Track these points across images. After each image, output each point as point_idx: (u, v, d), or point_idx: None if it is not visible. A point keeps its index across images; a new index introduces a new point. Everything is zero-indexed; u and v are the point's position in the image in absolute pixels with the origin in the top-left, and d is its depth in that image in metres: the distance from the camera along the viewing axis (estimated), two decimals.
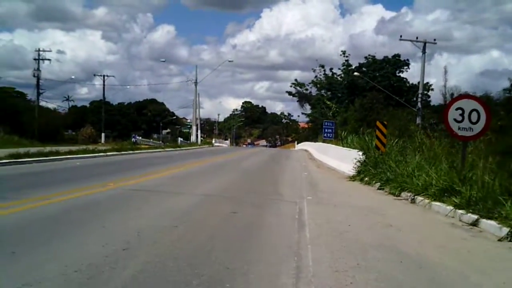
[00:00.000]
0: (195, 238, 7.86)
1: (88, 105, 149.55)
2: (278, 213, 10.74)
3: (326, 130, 39.05)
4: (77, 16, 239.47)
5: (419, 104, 40.92)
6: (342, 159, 25.59)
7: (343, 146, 28.83)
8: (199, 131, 73.15)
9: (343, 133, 32.47)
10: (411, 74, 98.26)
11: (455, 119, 14.13)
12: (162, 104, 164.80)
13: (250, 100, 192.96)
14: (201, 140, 76.28)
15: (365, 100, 51.20)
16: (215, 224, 9.09)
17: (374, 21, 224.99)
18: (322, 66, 79.69)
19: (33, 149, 26.53)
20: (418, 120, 38.21)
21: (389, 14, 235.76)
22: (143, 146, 56.40)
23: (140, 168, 21.89)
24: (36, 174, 17.79)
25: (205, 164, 26.53)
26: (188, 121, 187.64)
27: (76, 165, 22.45)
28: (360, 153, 21.85)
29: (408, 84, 72.00)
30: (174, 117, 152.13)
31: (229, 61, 69.20)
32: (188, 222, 9.15)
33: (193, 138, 68.92)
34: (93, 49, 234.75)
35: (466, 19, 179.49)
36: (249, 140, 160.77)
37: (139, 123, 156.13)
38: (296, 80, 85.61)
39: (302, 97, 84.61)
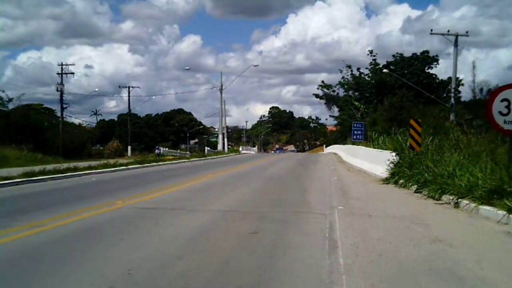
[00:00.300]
0: (200, 273, 6.33)
1: (116, 119, 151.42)
2: (305, 230, 9.16)
3: (355, 132, 37.31)
4: (104, 31, 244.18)
5: (452, 99, 38.86)
6: (374, 161, 23.98)
7: (374, 147, 27.11)
8: (225, 139, 71.85)
9: (373, 134, 30.74)
10: (440, 70, 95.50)
11: (500, 112, 12.54)
12: (190, 113, 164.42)
13: (278, 106, 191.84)
14: (228, 148, 75.00)
15: (395, 99, 49.19)
16: (228, 252, 7.47)
17: (400, 21, 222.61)
18: (349, 67, 77.76)
19: (49, 166, 25.45)
20: (452, 117, 36.29)
21: (415, 13, 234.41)
22: (169, 157, 55.34)
23: (159, 181, 20.52)
24: (44, 194, 16.46)
25: (229, 173, 25.15)
26: (216, 129, 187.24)
27: (91, 181, 21.21)
28: (393, 153, 20.24)
29: (437, 80, 69.79)
30: (201, 127, 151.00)
31: (254, 65, 67.22)
32: (196, 251, 7.58)
33: (219, 146, 67.59)
34: (121, 62, 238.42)
35: (493, 13, 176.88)
36: (277, 146, 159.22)
37: (166, 134, 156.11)
38: (323, 82, 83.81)
39: (330, 99, 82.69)
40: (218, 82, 66.49)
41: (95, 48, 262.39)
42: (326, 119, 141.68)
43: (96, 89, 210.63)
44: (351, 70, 77.59)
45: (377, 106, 60.14)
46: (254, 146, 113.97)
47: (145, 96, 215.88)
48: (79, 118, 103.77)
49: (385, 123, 47.24)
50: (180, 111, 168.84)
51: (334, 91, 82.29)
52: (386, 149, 23.51)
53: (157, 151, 62.47)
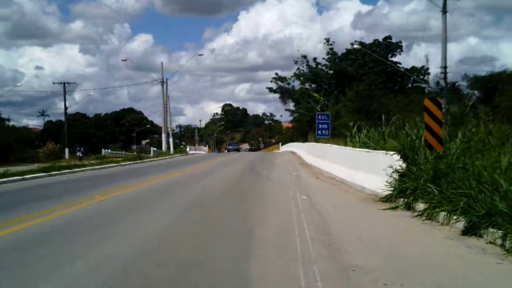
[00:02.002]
0: None
1: (63, 119, 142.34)
2: None
3: (319, 126, 29.29)
4: (54, 31, 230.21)
5: (442, 82, 31.06)
6: (358, 166, 16.25)
7: (354, 146, 19.22)
8: (170, 138, 63.35)
9: (352, 127, 22.71)
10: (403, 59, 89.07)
11: None
12: (140, 113, 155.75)
13: (231, 103, 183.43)
14: (175, 148, 66.53)
15: (361, 86, 41.58)
16: None
17: (351, 16, 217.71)
18: (305, 57, 70.29)
19: None
20: (444, 103, 28.67)
21: (365, 8, 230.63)
22: (111, 159, 46.67)
23: (31, 203, 12.38)
24: None
25: (144, 188, 17.15)
26: (168, 129, 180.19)
27: None
28: (396, 156, 12.28)
29: (402, 69, 62.70)
30: (149, 126, 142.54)
31: (199, 54, 62.82)
32: None
33: (163, 147, 58.91)
34: (72, 63, 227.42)
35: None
36: (229, 143, 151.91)
37: (116, 134, 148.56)
38: (276, 74, 75.93)
39: (285, 93, 74.91)
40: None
41: (45, 48, 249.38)
42: (281, 116, 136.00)
43: (91, 93, 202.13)
44: (307, 61, 70.04)
45: (339, 97, 52.61)
46: (206, 146, 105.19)
47: (91, 96, 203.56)
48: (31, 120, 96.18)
49: (351, 115, 39.67)
50: (131, 110, 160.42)
51: (289, 83, 74.64)
52: (375, 148, 15.71)
53: (78, 153, 53.14)
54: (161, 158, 47.56)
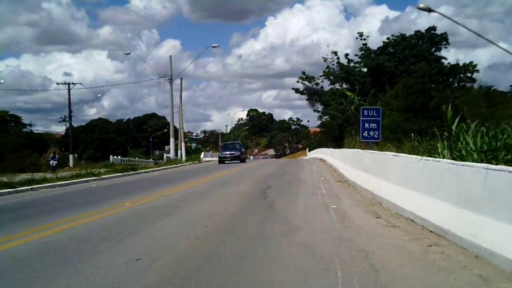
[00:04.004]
0: None
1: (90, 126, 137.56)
2: None
3: (365, 125, 19.82)
4: (82, 37, 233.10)
5: None
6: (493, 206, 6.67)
7: (459, 157, 10.04)
8: (182, 143, 54.42)
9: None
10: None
11: None
12: (163, 118, 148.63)
13: (257, 109, 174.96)
14: (191, 155, 57.72)
15: (412, 79, 32.05)
16: None
17: (379, 22, 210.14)
18: (335, 53, 60.71)
19: None
20: None
21: (393, 14, 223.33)
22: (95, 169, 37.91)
23: None
24: None
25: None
26: (194, 135, 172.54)
27: None
28: None
29: (448, 65, 52.90)
30: (166, 131, 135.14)
31: (214, 46, 50.13)
32: None
33: (171, 153, 49.93)
34: (100, 69, 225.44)
35: (471, 13, 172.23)
36: (256, 151, 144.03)
37: (139, 140, 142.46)
38: (303, 73, 66.25)
39: (313, 94, 65.35)
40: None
41: (74, 54, 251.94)
42: (308, 121, 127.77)
43: (99, 95, 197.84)
44: (338, 58, 60.52)
45: (378, 96, 43.11)
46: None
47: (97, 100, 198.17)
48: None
49: (398, 114, 30.33)
50: (153, 115, 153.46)
51: (317, 83, 65.05)
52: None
53: (51, 161, 44.19)
54: (166, 167, 38.68)
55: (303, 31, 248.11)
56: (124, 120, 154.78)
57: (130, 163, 66.47)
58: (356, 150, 20.08)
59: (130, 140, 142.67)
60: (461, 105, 26.90)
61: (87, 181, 25.00)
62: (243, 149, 48.85)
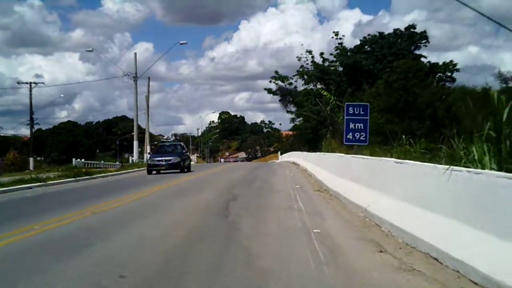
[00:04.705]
0: None
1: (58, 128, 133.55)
2: None
3: (350, 125, 16.34)
4: (54, 40, 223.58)
5: None
6: None
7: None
8: (148, 146, 50.86)
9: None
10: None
11: None
12: (133, 120, 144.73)
13: (229, 111, 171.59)
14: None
15: (395, 76, 29.01)
16: None
17: (352, 25, 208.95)
18: (310, 52, 57.57)
19: None
20: None
21: (366, 18, 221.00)
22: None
23: None
24: None
25: None
26: (165, 138, 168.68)
27: None
28: None
29: (428, 64, 50.23)
30: (142, 134, 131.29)
31: (181, 43, 47.10)
32: None
33: (135, 156, 46.26)
34: (72, 71, 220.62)
35: (442, 17, 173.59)
36: (227, 154, 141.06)
37: (108, 142, 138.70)
38: (276, 72, 62.95)
39: (286, 94, 62.02)
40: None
41: (46, 57, 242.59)
42: (280, 124, 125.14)
43: (62, 95, 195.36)
44: (312, 57, 57.36)
45: (355, 95, 40.08)
46: (194, 155, 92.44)
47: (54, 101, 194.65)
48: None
49: (379, 115, 27.31)
50: (124, 118, 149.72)
51: (291, 83, 61.80)
52: None
53: None
54: (124, 171, 35.24)
55: (277, 34, 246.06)
56: (94, 123, 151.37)
57: (94, 166, 62.91)
58: (339, 154, 16.84)
59: (99, 143, 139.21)
60: (455, 104, 24.17)
61: (30, 187, 21.70)
62: (186, 153, 34.91)
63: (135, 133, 46.68)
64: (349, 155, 15.03)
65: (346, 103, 17.13)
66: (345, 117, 16.57)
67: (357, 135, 16.34)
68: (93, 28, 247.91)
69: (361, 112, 16.32)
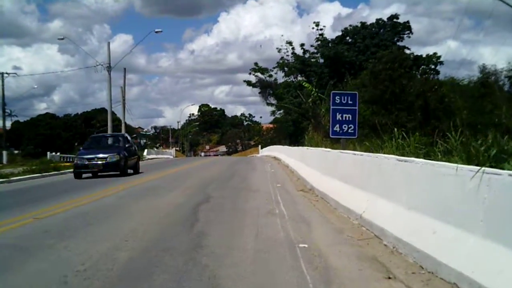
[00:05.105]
0: None
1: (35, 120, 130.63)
2: None
3: (336, 117, 14.49)
4: (33, 31, 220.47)
5: None
6: None
7: None
8: (127, 137, 48.58)
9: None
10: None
11: None
12: (113, 113, 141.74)
13: (209, 104, 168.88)
14: None
15: (380, 66, 27.31)
16: None
17: (331, 19, 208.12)
18: (290, 43, 55.77)
19: None
20: None
21: (346, 11, 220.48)
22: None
23: None
24: None
25: None
26: (144, 130, 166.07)
27: None
28: None
29: (412, 56, 48.68)
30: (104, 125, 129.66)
31: (156, 31, 44.85)
32: None
33: None
34: (50, 63, 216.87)
35: (421, 11, 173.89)
36: (207, 147, 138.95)
37: (87, 135, 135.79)
38: (256, 64, 61.08)
39: (266, 87, 60.17)
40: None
41: (24, 48, 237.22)
42: (261, 117, 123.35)
43: (35, 86, 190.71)
44: (293, 48, 55.58)
45: (338, 87, 38.36)
46: (173, 148, 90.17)
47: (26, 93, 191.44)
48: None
49: (365, 107, 25.67)
50: (103, 110, 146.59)
51: (271, 75, 59.96)
52: None
53: None
54: None
55: (256, 27, 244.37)
56: (72, 115, 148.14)
57: (71, 160, 60.50)
58: (324, 149, 15.02)
59: (78, 136, 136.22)
60: (448, 95, 22.62)
61: None
62: (131, 148, 24.69)
63: (109, 125, 44.55)
64: (336, 150, 13.25)
65: (332, 92, 15.27)
66: (331, 107, 14.73)
67: (344, 127, 14.53)
68: (71, 19, 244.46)
69: (349, 102, 14.50)
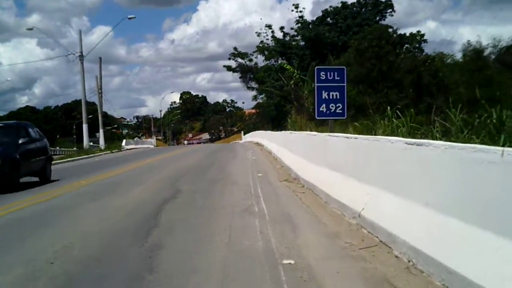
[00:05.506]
0: None
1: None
2: None
3: (322, 95, 12.85)
4: (11, 26, 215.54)
5: None
6: None
7: None
8: (101, 129, 46.85)
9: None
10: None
11: None
12: (93, 104, 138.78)
13: (191, 92, 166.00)
14: (111, 142, 50.03)
15: (366, 43, 25.44)
16: None
17: (310, 4, 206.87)
18: (269, 27, 53.86)
19: None
20: None
21: None
22: None
23: None
24: None
25: None
26: (127, 120, 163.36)
27: None
28: None
29: (395, 34, 46.95)
30: (104, 118, 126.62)
31: (129, 18, 42.78)
32: None
33: (84, 141, 41.84)
34: (30, 57, 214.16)
35: None
36: (190, 135, 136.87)
37: (68, 127, 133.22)
38: (235, 49, 59.16)
39: (246, 71, 58.36)
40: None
41: (3, 43, 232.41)
42: (243, 103, 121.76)
43: (9, 79, 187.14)
44: (272, 31, 53.70)
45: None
46: (153, 137, 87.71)
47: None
48: None
49: (351, 86, 23.88)
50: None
51: (251, 60, 58.10)
52: None
53: None
54: (67, 159, 30.85)
55: (236, 14, 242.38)
56: (52, 108, 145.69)
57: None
58: (309, 133, 13.20)
59: (59, 128, 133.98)
60: (442, 70, 20.92)
61: None
62: (31, 145, 15.40)
63: (84, 116, 42.27)
64: (323, 133, 11.41)
65: (317, 67, 13.25)
66: (316, 85, 12.83)
67: (332, 106, 12.64)
68: (49, 13, 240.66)
69: (336, 78, 12.61)
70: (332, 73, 12.71)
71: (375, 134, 10.91)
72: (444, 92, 17.93)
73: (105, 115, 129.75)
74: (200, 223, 7.37)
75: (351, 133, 11.42)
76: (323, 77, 12.67)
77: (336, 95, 12.66)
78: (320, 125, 18.71)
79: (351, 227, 6.63)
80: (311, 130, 15.88)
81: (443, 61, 23.98)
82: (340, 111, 12.72)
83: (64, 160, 29.98)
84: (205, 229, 6.97)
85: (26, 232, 7.37)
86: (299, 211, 8.05)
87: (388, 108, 12.87)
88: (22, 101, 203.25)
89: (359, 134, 10.29)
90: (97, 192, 11.77)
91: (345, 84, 12.86)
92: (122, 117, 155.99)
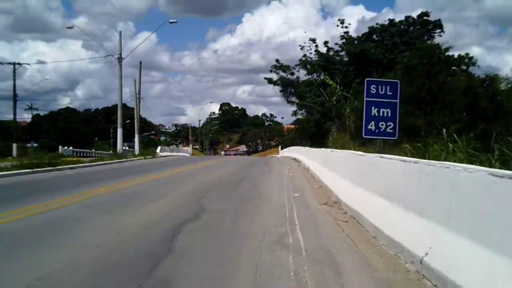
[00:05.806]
0: None
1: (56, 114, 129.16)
2: None
3: (373, 111, 11.39)
4: (57, 27, 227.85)
5: None
6: None
7: None
8: (137, 135, 46.03)
9: None
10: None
11: None
12: (133, 109, 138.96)
13: (230, 103, 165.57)
14: (144, 149, 49.14)
15: (416, 60, 23.78)
16: None
17: (355, 22, 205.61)
18: (313, 40, 52.49)
19: None
20: None
21: (369, 15, 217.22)
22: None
23: None
24: None
25: None
26: (166, 128, 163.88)
27: None
28: None
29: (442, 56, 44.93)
30: (142, 123, 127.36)
31: (171, 22, 41.99)
32: None
33: (118, 146, 40.97)
34: (75, 58, 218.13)
35: (447, 16, 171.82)
36: (227, 146, 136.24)
37: (107, 131, 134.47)
38: (277, 61, 57.94)
39: (287, 85, 57.05)
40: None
41: (48, 43, 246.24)
42: (283, 118, 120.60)
43: (48, 77, 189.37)
44: (316, 46, 52.33)
45: (362, 86, 34.96)
46: (189, 146, 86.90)
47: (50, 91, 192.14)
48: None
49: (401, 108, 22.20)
50: (123, 106, 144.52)
51: (293, 73, 56.80)
52: None
53: None
54: (98, 163, 29.82)
55: (280, 28, 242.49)
56: (92, 110, 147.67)
57: (84, 155, 58.01)
58: (356, 152, 11.60)
59: (98, 131, 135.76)
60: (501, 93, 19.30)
61: None
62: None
63: (119, 120, 41.52)
64: (372, 154, 9.92)
65: (367, 79, 11.78)
66: (365, 99, 11.33)
67: (382, 125, 11.11)
68: (96, 16, 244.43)
69: (388, 93, 11.09)
70: (384, 87, 11.19)
71: (429, 159, 9.49)
72: (503, 117, 16.27)
73: (144, 121, 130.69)
74: (221, 257, 5.97)
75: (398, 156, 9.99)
76: (373, 90, 11.17)
77: (387, 112, 11.15)
78: (362, 145, 17.25)
79: (409, 275, 5.17)
80: (354, 150, 14.39)
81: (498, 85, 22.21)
82: (391, 131, 11.18)
83: (94, 163, 29.00)
84: (226, 265, 5.59)
85: (14, 250, 6.11)
86: (342, 247, 6.59)
87: (444, 130, 11.43)
88: (64, 102, 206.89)
89: (407, 157, 8.93)
90: (111, 203, 10.49)
91: (397, 101, 11.32)
92: (161, 124, 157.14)
